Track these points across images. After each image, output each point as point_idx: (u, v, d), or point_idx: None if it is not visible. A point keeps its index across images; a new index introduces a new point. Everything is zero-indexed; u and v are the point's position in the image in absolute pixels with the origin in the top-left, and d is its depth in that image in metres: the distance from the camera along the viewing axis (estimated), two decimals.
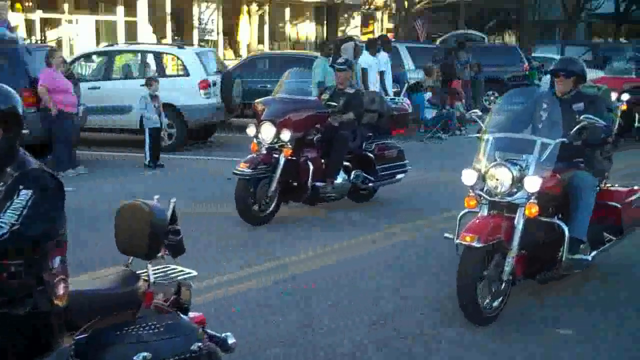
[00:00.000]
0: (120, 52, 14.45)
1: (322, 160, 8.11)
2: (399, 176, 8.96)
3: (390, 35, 25.94)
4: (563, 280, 5.65)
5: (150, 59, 13.73)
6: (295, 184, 7.95)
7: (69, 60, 13.36)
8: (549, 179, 5.16)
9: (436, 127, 15.07)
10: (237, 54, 27.61)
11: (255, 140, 7.97)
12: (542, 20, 36.27)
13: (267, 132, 7.77)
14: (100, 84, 13.23)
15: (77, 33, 22.53)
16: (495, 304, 5.07)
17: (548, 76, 20.91)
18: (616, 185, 6.31)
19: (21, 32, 16.55)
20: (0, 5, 12.21)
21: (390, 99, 10.18)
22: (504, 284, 5.05)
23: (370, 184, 8.64)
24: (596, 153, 5.85)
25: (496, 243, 4.90)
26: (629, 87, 12.82)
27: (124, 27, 23.67)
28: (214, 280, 6.06)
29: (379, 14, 36.75)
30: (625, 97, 12.16)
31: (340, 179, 8.20)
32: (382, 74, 13.08)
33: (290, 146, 7.74)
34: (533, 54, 23.09)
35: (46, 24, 22.23)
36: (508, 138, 5.30)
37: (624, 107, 12.36)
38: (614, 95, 12.17)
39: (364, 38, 23.39)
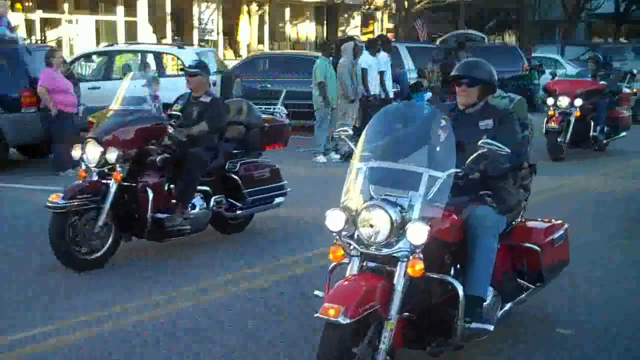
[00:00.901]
0: (120, 52, 14.46)
1: (171, 186, 6.69)
2: (277, 200, 7.59)
3: (390, 35, 25.94)
4: (563, 280, 5.63)
5: (150, 59, 13.73)
6: (136, 215, 6.53)
7: (69, 60, 13.37)
8: (441, 220, 4.02)
9: None
10: (237, 54, 27.62)
11: (83, 165, 6.61)
12: (542, 20, 36.27)
13: (91, 152, 6.48)
14: (100, 84, 13.23)
15: (77, 33, 22.53)
16: None
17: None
18: (537, 219, 5.17)
19: (21, 32, 16.54)
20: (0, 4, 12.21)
21: (266, 108, 8.59)
22: None
23: (239, 212, 7.22)
24: (507, 183, 4.63)
25: (370, 314, 3.70)
26: (583, 91, 12.11)
27: (124, 27, 23.68)
28: (214, 280, 6.06)
29: (379, 14, 36.76)
30: (578, 102, 11.79)
31: (196, 207, 6.84)
32: (382, 74, 13.05)
33: (120, 169, 6.39)
34: (533, 54, 23.04)
35: (46, 24, 22.24)
36: (386, 169, 4.08)
37: (577, 113, 11.79)
38: (565, 101, 11.84)
39: (364, 38, 23.39)
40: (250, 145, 7.53)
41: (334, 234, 3.93)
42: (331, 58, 12.63)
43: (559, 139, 11.84)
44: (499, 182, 4.54)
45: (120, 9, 23.76)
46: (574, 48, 27.53)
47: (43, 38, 21.31)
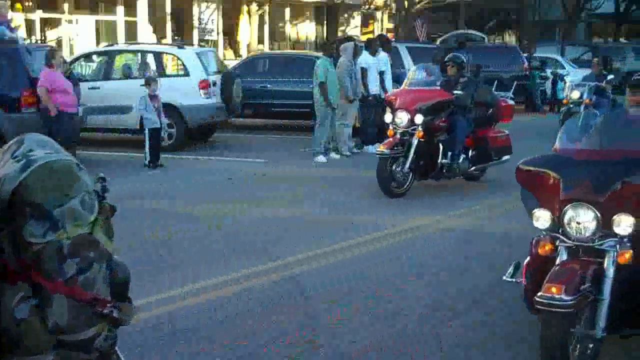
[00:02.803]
0: (120, 52, 14.45)
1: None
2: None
3: (390, 35, 25.93)
4: None
5: (150, 59, 13.73)
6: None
7: (69, 60, 13.36)
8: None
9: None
10: (237, 54, 27.61)
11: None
12: (542, 20, 36.26)
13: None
14: (100, 84, 13.24)
15: (77, 33, 22.53)
16: None
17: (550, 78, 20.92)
18: None
19: (21, 32, 16.53)
20: (0, 4, 12.21)
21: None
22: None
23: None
24: None
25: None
26: (428, 105, 9.37)
27: (124, 27, 23.68)
28: (214, 280, 6.06)
29: (379, 14, 36.76)
30: (419, 119, 9.18)
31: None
32: (382, 74, 13.06)
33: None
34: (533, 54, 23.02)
35: (46, 24, 22.23)
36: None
37: (418, 134, 9.14)
38: (404, 117, 9.19)
39: (364, 38, 23.39)
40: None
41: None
42: (332, 58, 12.63)
43: (396, 167, 9.19)
44: None
45: (120, 9, 23.75)
46: (574, 48, 27.58)
47: (43, 38, 21.30)
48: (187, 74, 13.17)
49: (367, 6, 34.86)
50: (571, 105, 14.31)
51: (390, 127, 9.40)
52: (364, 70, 12.66)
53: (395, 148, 9.13)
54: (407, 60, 17.68)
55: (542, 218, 4.30)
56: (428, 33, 29.21)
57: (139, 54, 14.17)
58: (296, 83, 15.08)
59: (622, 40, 37.16)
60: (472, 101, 9.76)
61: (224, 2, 27.87)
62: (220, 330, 5.03)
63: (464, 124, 9.50)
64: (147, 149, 11.26)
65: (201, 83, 12.96)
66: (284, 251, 6.90)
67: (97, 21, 23.73)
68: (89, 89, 12.70)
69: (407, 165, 9.16)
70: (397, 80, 14.67)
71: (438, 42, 23.55)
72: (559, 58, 23.88)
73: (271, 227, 7.78)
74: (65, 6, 22.38)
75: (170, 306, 5.47)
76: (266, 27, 29.97)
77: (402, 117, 9.26)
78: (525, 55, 21.54)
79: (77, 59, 14.40)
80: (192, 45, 21.37)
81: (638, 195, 4.24)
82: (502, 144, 10.11)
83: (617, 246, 4.14)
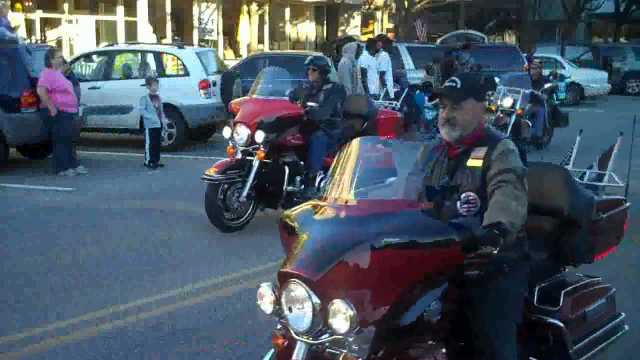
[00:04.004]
0: (120, 52, 14.45)
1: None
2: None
3: (390, 35, 25.94)
4: None
5: (150, 59, 13.73)
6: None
7: (69, 60, 13.36)
8: None
9: (436, 127, 15.05)
10: (237, 54, 27.61)
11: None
12: (542, 20, 36.28)
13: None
14: (100, 84, 13.24)
15: (77, 33, 22.52)
16: None
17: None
18: None
19: (21, 32, 16.54)
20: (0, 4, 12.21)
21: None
22: None
23: None
24: None
25: None
26: (271, 118, 7.71)
27: (124, 27, 23.67)
28: (214, 280, 6.06)
29: (379, 14, 36.76)
30: (260, 137, 7.45)
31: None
32: (382, 74, 13.07)
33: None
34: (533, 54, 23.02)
35: (46, 24, 22.23)
36: None
37: (259, 154, 7.45)
38: (244, 133, 7.55)
39: (364, 38, 23.39)
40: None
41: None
42: (332, 58, 12.65)
43: (232, 194, 7.55)
44: None
45: (120, 9, 23.74)
46: (574, 48, 27.58)
47: (43, 38, 21.29)
48: (187, 74, 13.18)
49: (367, 6, 34.87)
50: (500, 115, 12.23)
51: (230, 144, 7.77)
52: (364, 71, 12.67)
53: (231, 171, 7.46)
54: (407, 60, 17.71)
55: (266, 298, 3.05)
56: (428, 33, 29.19)
57: (139, 54, 14.16)
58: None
59: (622, 40, 37.19)
60: (338, 113, 8.16)
61: (224, 2, 27.86)
62: (220, 330, 5.03)
63: (323, 140, 7.82)
64: (147, 149, 11.26)
65: (201, 83, 12.96)
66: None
67: (97, 21, 23.72)
68: (89, 89, 12.70)
69: (246, 191, 7.43)
70: (397, 80, 14.71)
71: (438, 42, 23.56)
72: (559, 58, 23.87)
73: (271, 227, 7.76)
74: (65, 6, 22.37)
75: (170, 306, 5.47)
76: (266, 27, 29.97)
77: (242, 133, 7.55)
78: (525, 55, 21.54)
79: (77, 59, 14.39)
80: (192, 45, 21.36)
81: (356, 276, 2.82)
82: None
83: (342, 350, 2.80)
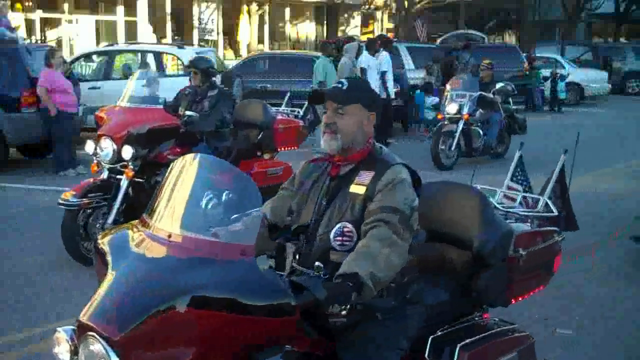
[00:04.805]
0: (120, 52, 14.46)
1: None
2: None
3: (390, 35, 25.94)
4: (563, 280, 5.64)
5: (150, 59, 13.73)
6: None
7: (69, 60, 13.36)
8: None
9: (436, 128, 15.00)
10: (237, 54, 27.62)
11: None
12: (542, 20, 36.28)
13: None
14: (100, 84, 13.24)
15: (77, 33, 22.53)
16: None
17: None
18: None
19: (21, 32, 16.54)
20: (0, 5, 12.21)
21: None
22: None
23: None
24: None
25: None
26: (138, 133, 6.67)
27: (124, 27, 23.69)
28: None
29: (379, 14, 36.77)
30: (127, 152, 6.49)
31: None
32: (383, 74, 13.05)
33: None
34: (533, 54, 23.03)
35: (46, 24, 22.24)
36: None
37: (128, 173, 6.48)
38: (108, 148, 6.53)
39: (363, 38, 23.39)
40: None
41: None
42: (331, 58, 12.64)
43: (95, 221, 6.42)
44: None
45: (120, 9, 23.76)
46: (574, 48, 27.58)
47: (43, 38, 21.30)
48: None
49: (367, 6, 34.88)
50: (446, 122, 11.14)
51: (94, 161, 6.67)
52: (363, 71, 12.66)
53: (93, 194, 6.34)
54: (407, 60, 17.70)
55: (62, 346, 2.58)
56: (428, 33, 29.22)
57: (139, 54, 14.17)
58: (296, 83, 15.09)
59: (622, 40, 37.19)
60: (227, 123, 7.06)
61: (224, 2, 27.88)
62: None
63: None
64: None
65: None
66: None
67: (97, 21, 23.73)
68: (89, 89, 12.69)
69: (112, 217, 6.30)
70: (397, 80, 14.71)
71: (438, 42, 23.56)
72: (559, 58, 23.88)
73: None
74: (65, 6, 22.38)
75: None
76: (266, 27, 29.99)
77: (106, 148, 6.49)
78: (524, 54, 21.55)
79: (77, 59, 14.40)
80: (192, 45, 21.37)
81: (166, 336, 2.34)
82: (276, 182, 7.14)
83: None
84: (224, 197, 2.61)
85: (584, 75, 23.18)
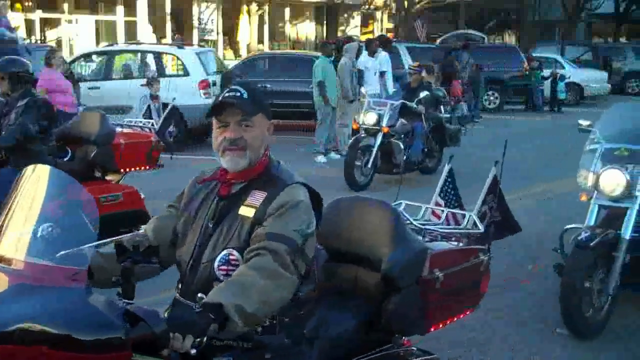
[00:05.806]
0: (120, 52, 14.46)
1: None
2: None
3: (390, 35, 25.95)
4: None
5: (150, 59, 13.74)
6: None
7: (69, 60, 13.37)
8: None
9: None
10: (237, 54, 27.63)
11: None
12: (542, 20, 36.29)
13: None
14: (100, 84, 13.24)
15: (77, 33, 22.53)
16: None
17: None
18: None
19: (21, 32, 16.54)
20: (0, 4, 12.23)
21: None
22: None
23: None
24: None
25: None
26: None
27: (124, 27, 23.69)
28: None
29: (378, 14, 36.78)
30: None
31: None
32: (383, 74, 13.05)
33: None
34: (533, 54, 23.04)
35: (46, 24, 22.24)
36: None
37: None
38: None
39: (363, 38, 23.40)
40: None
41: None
42: (331, 58, 12.63)
43: None
44: None
45: (120, 9, 23.76)
46: (574, 48, 27.58)
47: (43, 38, 21.30)
48: (187, 74, 13.18)
49: (367, 6, 34.89)
50: (363, 135, 9.73)
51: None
52: (360, 72, 12.65)
53: None
54: (407, 60, 17.71)
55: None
56: (428, 33, 29.22)
57: (139, 54, 14.17)
58: (296, 83, 15.09)
59: (622, 40, 37.19)
60: (32, 136, 5.71)
61: (224, 2, 27.88)
62: None
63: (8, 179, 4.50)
64: None
65: (201, 83, 12.97)
66: None
67: (97, 21, 23.74)
68: (89, 89, 12.70)
69: None
70: (397, 80, 14.72)
71: (438, 42, 23.57)
72: (559, 58, 23.88)
73: None
74: (65, 6, 22.38)
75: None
76: (266, 27, 29.99)
77: None
78: (524, 54, 21.57)
79: (77, 59, 14.40)
80: (192, 45, 21.39)
81: None
82: (116, 210, 5.94)
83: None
84: (50, 229, 2.20)
85: (583, 76, 23.19)
